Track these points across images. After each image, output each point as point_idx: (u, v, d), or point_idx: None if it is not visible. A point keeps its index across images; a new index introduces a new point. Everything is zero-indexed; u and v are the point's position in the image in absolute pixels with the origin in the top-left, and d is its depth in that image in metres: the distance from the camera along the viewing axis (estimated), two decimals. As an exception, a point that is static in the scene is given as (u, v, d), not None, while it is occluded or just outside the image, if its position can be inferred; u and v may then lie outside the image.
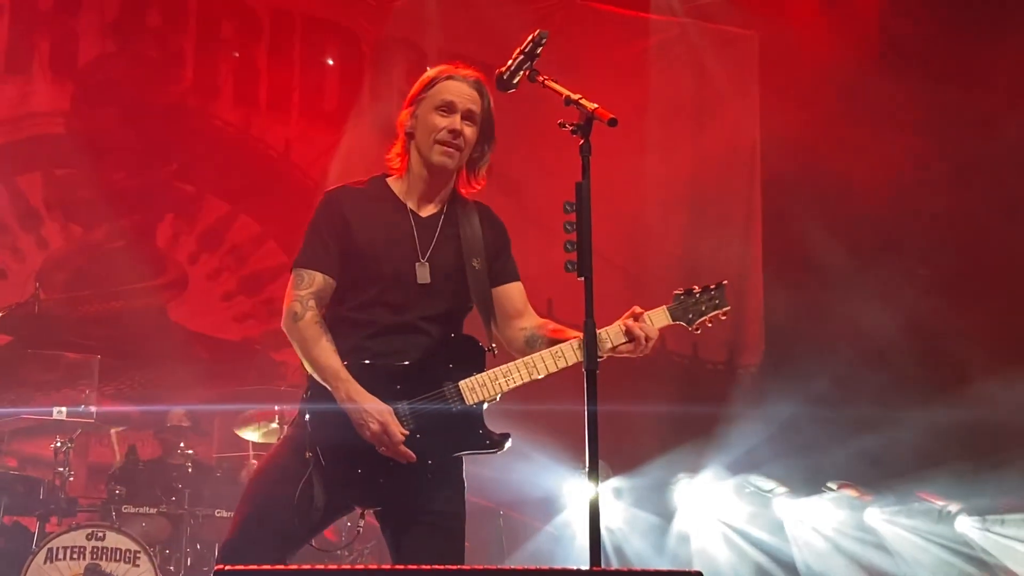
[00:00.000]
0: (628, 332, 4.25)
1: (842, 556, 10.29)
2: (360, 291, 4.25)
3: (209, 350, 10.81)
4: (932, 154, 10.60)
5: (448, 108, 4.30)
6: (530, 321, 4.45)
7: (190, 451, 8.72)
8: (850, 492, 10.36)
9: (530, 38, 4.08)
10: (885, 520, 10.25)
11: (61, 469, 8.21)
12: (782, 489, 10.54)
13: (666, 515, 10.56)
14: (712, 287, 4.45)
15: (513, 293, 4.48)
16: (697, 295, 4.42)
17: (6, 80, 10.68)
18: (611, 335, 4.23)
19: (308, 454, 4.06)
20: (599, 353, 4.04)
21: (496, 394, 4.19)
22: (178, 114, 11.17)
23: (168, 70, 11.24)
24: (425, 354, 4.20)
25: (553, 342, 4.29)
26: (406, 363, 4.18)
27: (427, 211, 4.37)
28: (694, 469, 10.47)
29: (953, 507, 10.06)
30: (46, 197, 10.72)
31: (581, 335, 4.13)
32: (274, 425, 8.71)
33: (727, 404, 10.73)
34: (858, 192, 10.84)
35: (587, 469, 3.69)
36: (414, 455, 4.05)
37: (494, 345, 4.35)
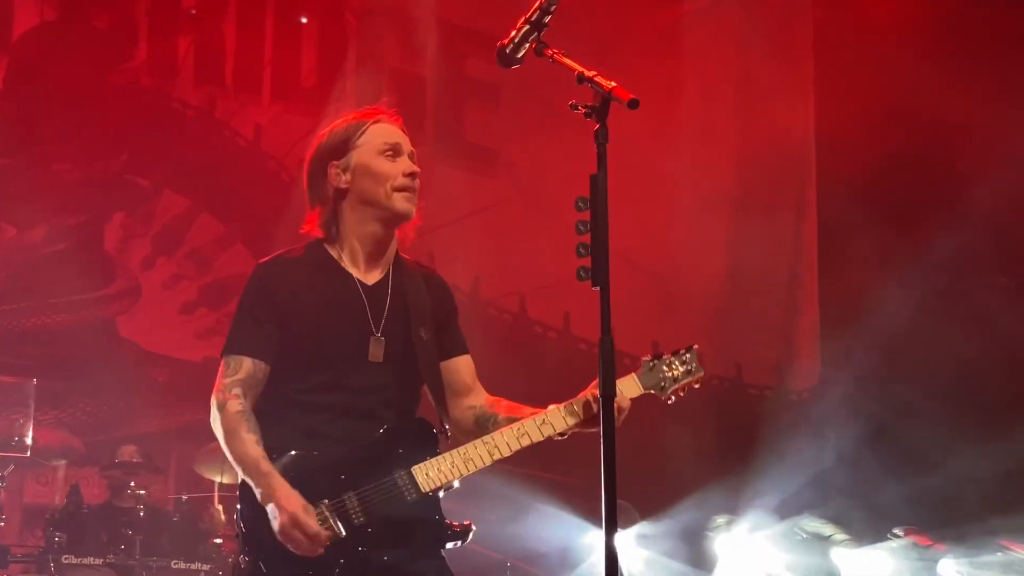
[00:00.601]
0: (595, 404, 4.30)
1: (909, 616, 10.29)
2: (309, 373, 4.31)
3: (166, 372, 10.82)
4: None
5: (395, 150, 4.39)
6: (478, 399, 4.54)
7: (142, 491, 8.73)
8: (918, 539, 10.34)
9: (537, 4, 4.04)
10: (961, 573, 10.23)
11: (-9, 512, 8.27)
12: (843, 535, 10.53)
13: (703, 565, 10.55)
14: (683, 351, 4.58)
15: (461, 367, 4.57)
16: (668, 360, 4.54)
17: (-76, 56, 10.76)
18: (578, 408, 4.28)
19: (243, 559, 4.12)
20: (562, 431, 4.28)
21: (454, 480, 4.25)
22: (130, 95, 11.19)
23: (118, 43, 11.27)
24: (371, 439, 4.26)
25: (509, 421, 4.37)
26: (348, 451, 4.24)
27: (373, 278, 4.44)
28: (735, 511, 10.48)
29: (1044, 557, 10.06)
30: (-26, 193, 10.77)
31: (540, 411, 4.31)
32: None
33: (775, 435, 10.72)
34: (939, 188, 10.76)
35: (603, 510, 3.70)
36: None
37: (448, 427, 4.42)
